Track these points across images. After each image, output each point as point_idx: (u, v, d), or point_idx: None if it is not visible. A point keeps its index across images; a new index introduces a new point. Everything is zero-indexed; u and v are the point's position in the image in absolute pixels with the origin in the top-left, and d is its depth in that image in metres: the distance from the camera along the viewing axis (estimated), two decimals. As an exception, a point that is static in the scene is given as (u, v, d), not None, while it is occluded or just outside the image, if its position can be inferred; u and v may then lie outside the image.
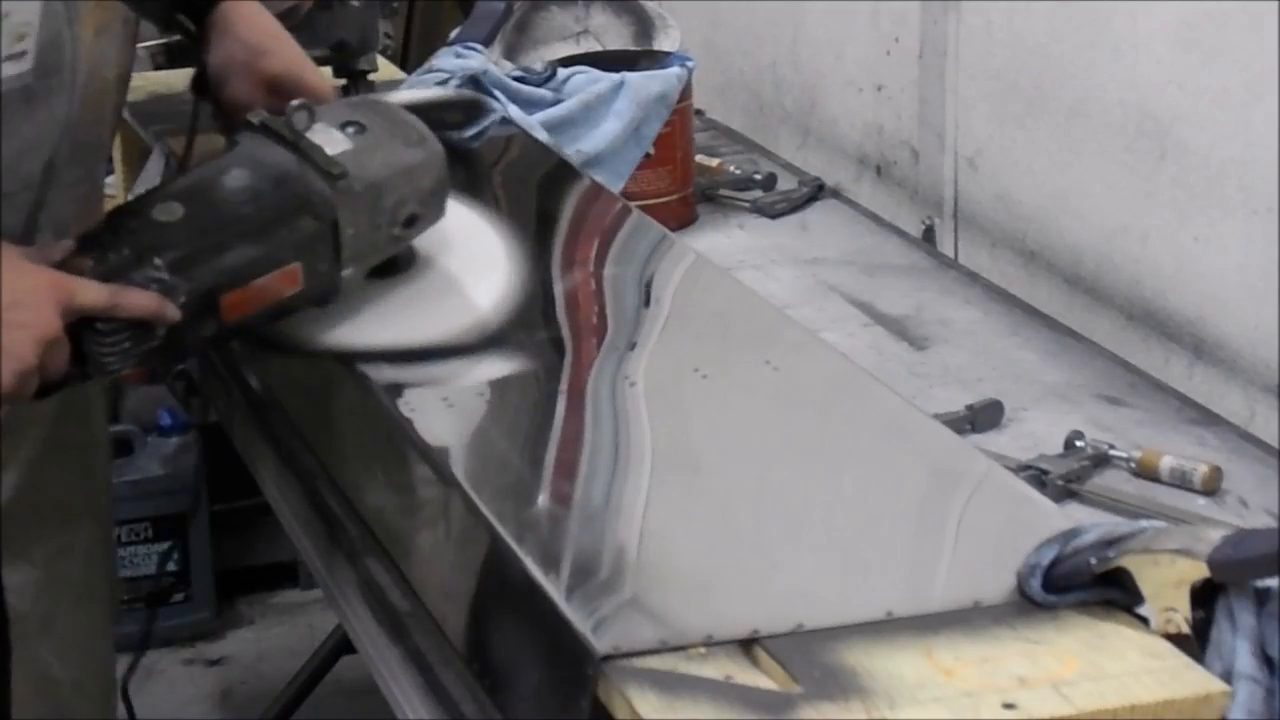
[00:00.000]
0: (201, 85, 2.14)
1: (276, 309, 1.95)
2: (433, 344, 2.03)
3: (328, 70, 2.75)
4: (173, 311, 1.84)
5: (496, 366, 2.05)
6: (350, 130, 1.99)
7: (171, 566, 3.61)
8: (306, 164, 1.94)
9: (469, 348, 2.04)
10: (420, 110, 2.44)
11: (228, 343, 2.14)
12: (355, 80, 2.80)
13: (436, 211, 2.07)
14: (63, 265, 1.83)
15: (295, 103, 1.96)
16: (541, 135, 2.70)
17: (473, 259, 2.15)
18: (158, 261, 1.85)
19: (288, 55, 2.13)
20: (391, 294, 2.06)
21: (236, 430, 2.39)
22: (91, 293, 1.80)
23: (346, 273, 1.98)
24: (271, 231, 1.92)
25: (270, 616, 3.76)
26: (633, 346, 2.06)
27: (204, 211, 1.89)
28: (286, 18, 2.24)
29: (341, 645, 3.17)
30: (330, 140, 1.97)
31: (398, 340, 2.03)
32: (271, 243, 1.92)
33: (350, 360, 2.00)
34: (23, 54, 1.85)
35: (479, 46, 2.86)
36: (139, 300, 1.83)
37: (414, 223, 2.04)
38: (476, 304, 2.10)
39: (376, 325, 2.03)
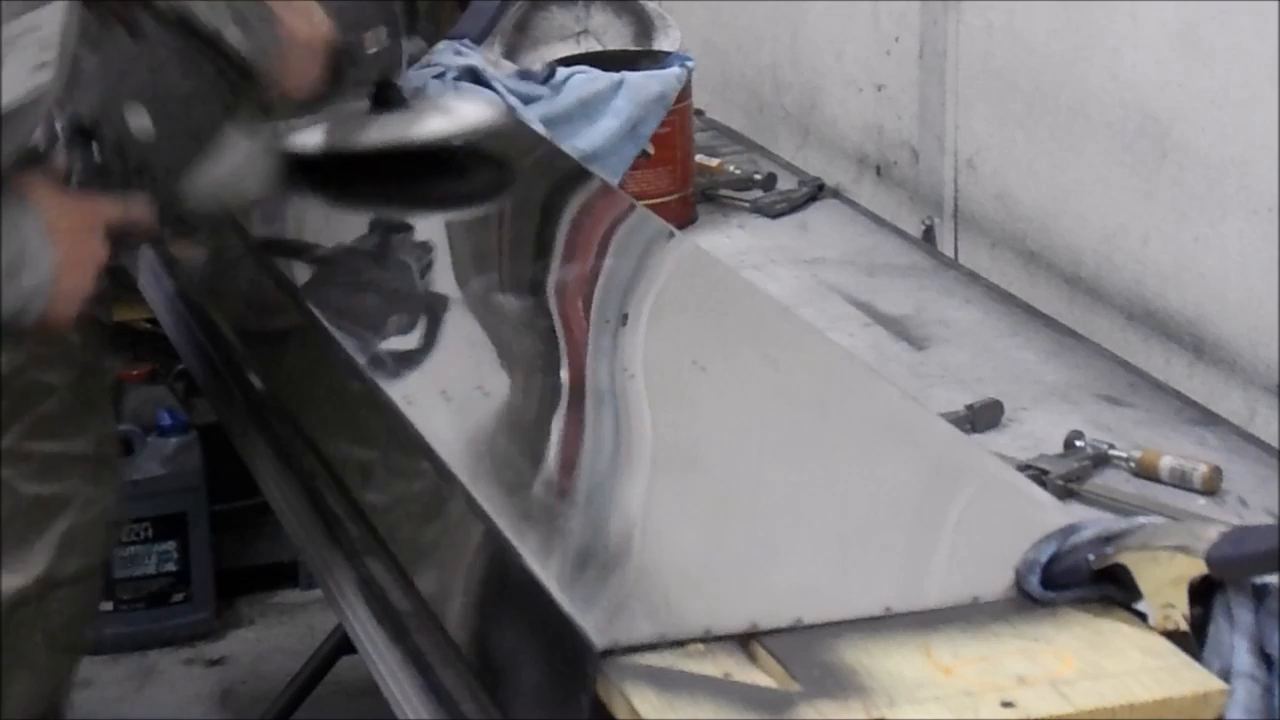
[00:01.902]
0: None
1: None
2: None
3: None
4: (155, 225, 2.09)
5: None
6: None
7: (171, 566, 3.61)
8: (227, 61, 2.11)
9: None
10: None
11: None
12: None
13: None
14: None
15: None
16: (540, 131, 2.70)
17: None
18: (146, 177, 2.07)
19: None
20: None
21: (236, 430, 2.39)
22: (114, 212, 2.01)
23: None
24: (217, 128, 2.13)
25: (270, 616, 3.76)
26: (624, 320, 2.06)
27: (169, 124, 2.08)
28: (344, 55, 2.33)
29: (341, 645, 3.16)
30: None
31: None
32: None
33: None
34: (44, 64, 1.88)
35: (471, 43, 2.86)
36: (141, 215, 2.05)
37: None
38: None
39: None
